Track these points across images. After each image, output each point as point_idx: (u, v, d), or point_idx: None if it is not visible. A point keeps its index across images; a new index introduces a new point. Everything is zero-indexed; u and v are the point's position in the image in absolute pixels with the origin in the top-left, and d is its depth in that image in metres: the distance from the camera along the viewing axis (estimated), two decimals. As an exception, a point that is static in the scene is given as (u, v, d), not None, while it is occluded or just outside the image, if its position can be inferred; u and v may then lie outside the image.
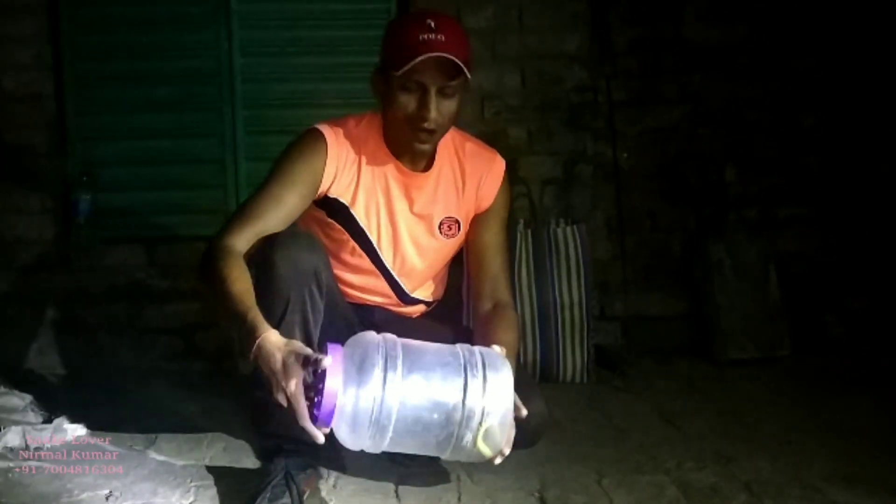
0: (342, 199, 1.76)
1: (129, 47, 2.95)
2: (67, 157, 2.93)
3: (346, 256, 1.81)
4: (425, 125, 1.66)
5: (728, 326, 2.91)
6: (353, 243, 1.80)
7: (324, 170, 1.72)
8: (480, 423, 1.34)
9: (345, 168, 1.75)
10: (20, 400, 2.28)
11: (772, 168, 3.09)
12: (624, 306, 3.03)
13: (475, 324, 1.85)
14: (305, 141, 1.74)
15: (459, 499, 1.71)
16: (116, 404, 2.40)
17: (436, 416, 1.33)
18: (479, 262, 1.86)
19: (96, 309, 2.92)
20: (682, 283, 3.06)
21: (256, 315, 1.43)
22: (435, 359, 1.37)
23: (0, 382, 2.39)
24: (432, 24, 1.61)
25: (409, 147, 1.73)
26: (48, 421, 2.15)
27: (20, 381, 2.50)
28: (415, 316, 1.94)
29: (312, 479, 1.71)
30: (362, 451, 1.40)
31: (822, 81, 3.07)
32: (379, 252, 1.81)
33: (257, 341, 1.38)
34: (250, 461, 1.94)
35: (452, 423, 1.33)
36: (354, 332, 1.42)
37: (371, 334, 1.40)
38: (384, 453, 1.43)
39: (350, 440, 1.35)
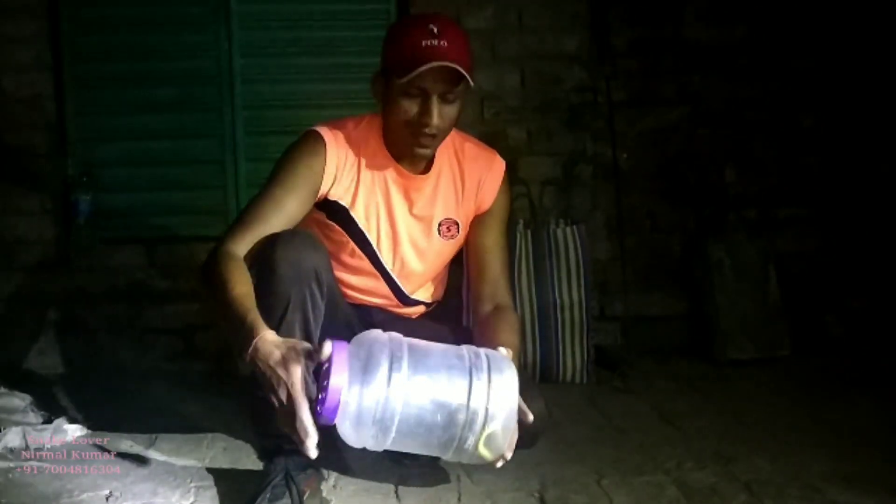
0: (342, 202, 1.76)
1: (128, 48, 2.96)
2: (67, 157, 2.93)
3: (346, 258, 1.81)
4: (427, 131, 1.65)
5: (728, 326, 2.91)
6: (352, 245, 1.80)
7: (323, 172, 1.72)
8: (484, 427, 1.33)
9: (344, 170, 1.75)
10: (20, 400, 2.28)
11: (772, 168, 3.09)
12: (624, 306, 3.03)
13: (475, 325, 1.85)
14: (304, 143, 1.74)
15: (459, 499, 1.72)
16: (116, 405, 2.40)
17: (439, 417, 1.32)
18: (478, 263, 1.85)
19: (96, 309, 2.92)
20: (681, 283, 3.06)
21: (256, 317, 1.43)
22: (441, 360, 1.36)
23: (0, 383, 2.39)
24: (435, 30, 1.61)
25: (409, 151, 1.72)
26: (48, 421, 2.15)
27: (20, 381, 2.50)
28: (414, 317, 1.94)
29: (312, 480, 1.71)
30: (363, 451, 1.39)
31: (822, 81, 3.07)
32: (378, 254, 1.81)
33: (254, 341, 1.38)
34: (250, 461, 1.94)
35: (456, 426, 1.32)
36: (354, 333, 1.41)
37: (377, 332, 1.38)
38: (384, 453, 1.42)
39: (352, 437, 1.34)
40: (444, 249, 1.86)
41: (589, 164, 3.04)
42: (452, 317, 2.07)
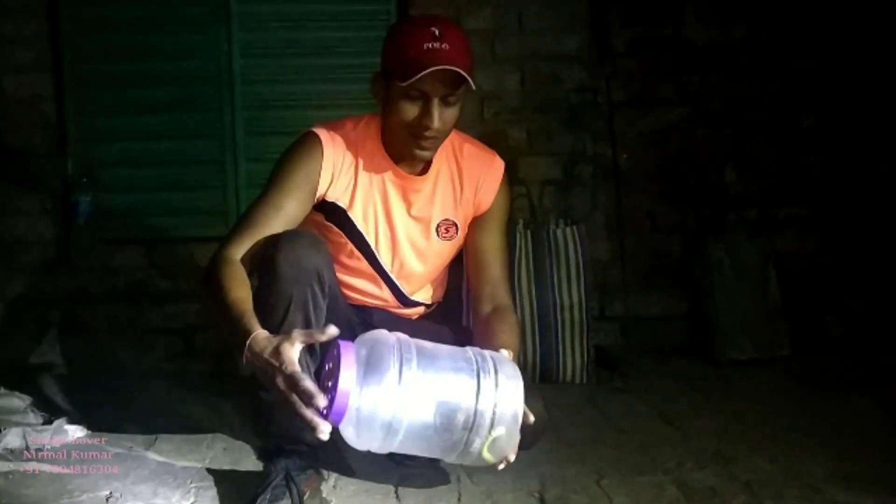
0: (339, 203, 1.76)
1: (128, 48, 2.96)
2: (67, 158, 2.94)
3: (345, 259, 1.81)
4: (427, 133, 1.65)
5: (728, 327, 2.91)
6: (351, 246, 1.79)
7: (320, 173, 1.72)
8: (490, 431, 1.32)
9: (342, 171, 1.74)
10: (20, 401, 2.28)
11: (772, 168, 3.09)
12: (624, 307, 3.03)
13: (475, 326, 1.85)
14: (300, 145, 1.73)
15: (459, 499, 1.72)
16: (116, 405, 2.40)
17: (447, 421, 1.30)
18: (478, 264, 1.85)
19: (96, 309, 2.92)
20: (681, 283, 3.06)
21: (250, 318, 1.42)
22: (448, 363, 1.34)
23: (0, 383, 2.39)
24: (437, 32, 1.60)
25: (409, 153, 1.72)
26: (48, 422, 2.15)
27: (20, 381, 2.50)
28: (414, 318, 1.94)
29: (313, 480, 1.71)
30: (363, 451, 1.38)
31: (822, 81, 3.07)
32: (377, 255, 1.81)
33: (248, 341, 1.37)
34: (250, 462, 1.94)
35: (463, 429, 1.31)
36: (355, 333, 1.40)
37: (384, 333, 1.36)
38: (385, 453, 1.42)
39: (358, 441, 1.32)
40: (443, 250, 1.86)
41: (589, 164, 3.04)
42: (452, 317, 2.07)
